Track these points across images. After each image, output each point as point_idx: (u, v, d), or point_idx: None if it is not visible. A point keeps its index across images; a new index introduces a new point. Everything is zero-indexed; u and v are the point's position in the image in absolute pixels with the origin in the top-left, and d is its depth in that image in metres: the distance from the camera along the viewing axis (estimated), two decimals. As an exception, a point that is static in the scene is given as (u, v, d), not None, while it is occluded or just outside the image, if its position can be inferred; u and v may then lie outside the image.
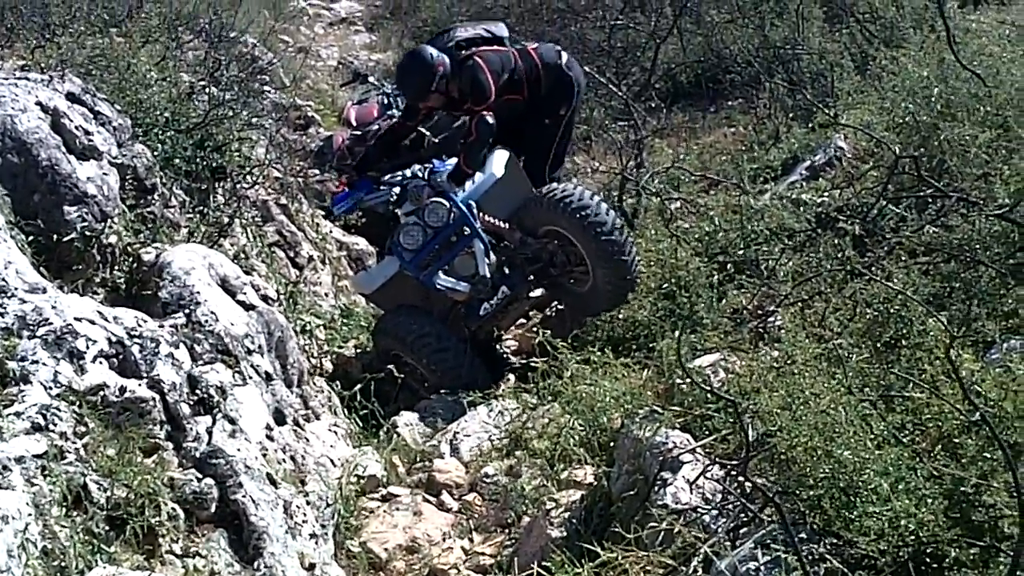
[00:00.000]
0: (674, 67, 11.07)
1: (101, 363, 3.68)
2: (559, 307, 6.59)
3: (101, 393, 3.58)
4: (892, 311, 4.22)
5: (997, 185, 4.75)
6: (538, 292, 6.44)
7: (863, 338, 4.23)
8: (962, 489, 3.03)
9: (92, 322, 3.77)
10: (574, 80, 6.92)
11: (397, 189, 6.32)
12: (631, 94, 9.47)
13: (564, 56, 6.98)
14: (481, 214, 6.21)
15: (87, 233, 4.47)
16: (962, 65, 5.50)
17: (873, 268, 4.68)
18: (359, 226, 7.94)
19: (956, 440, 3.24)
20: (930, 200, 5.33)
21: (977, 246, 4.61)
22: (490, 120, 6.28)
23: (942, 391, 3.39)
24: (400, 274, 6.24)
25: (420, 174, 6.34)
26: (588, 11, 12.38)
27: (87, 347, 3.65)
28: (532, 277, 6.27)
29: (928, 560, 2.93)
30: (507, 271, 6.24)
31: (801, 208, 6.10)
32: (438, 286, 6.12)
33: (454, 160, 6.36)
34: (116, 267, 4.64)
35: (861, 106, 7.15)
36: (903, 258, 4.75)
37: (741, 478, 3.51)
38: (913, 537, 2.94)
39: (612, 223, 5.91)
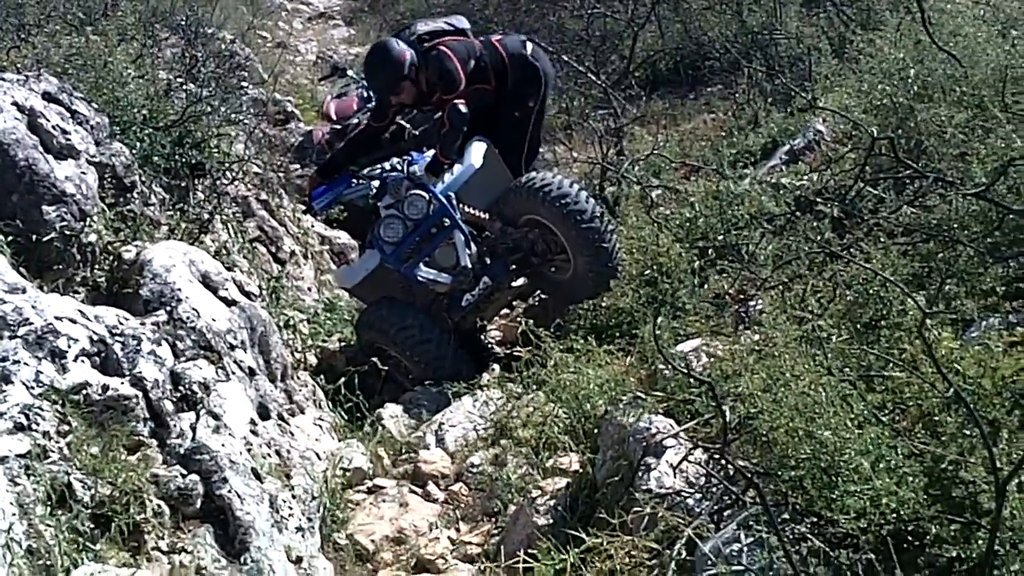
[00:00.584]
0: (652, 54, 11.09)
1: (83, 362, 3.68)
2: (542, 296, 6.60)
3: (84, 392, 3.58)
4: (871, 292, 4.23)
5: (974, 165, 4.76)
6: (520, 281, 6.45)
7: (843, 319, 4.25)
8: (941, 467, 3.06)
9: (73, 321, 3.77)
10: (541, 70, 6.89)
11: (376, 183, 6.31)
12: (610, 82, 9.48)
13: (529, 46, 6.95)
14: (461, 205, 6.21)
15: (66, 232, 4.46)
16: (938, 46, 5.52)
17: (852, 250, 4.70)
18: (341, 220, 7.93)
19: (936, 418, 3.27)
20: (908, 181, 5.34)
21: (955, 226, 4.62)
22: (463, 109, 6.26)
23: (921, 370, 3.42)
24: (381, 267, 6.24)
25: (399, 167, 6.34)
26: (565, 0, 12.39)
27: (69, 346, 3.65)
28: (514, 267, 6.28)
29: (909, 537, 2.95)
30: (488, 261, 6.24)
31: (780, 192, 6.11)
32: (420, 278, 6.12)
33: (432, 152, 6.37)
34: (96, 266, 4.63)
35: (839, 89, 7.16)
36: (882, 239, 4.75)
37: (724, 461, 3.54)
38: (894, 515, 2.96)
39: (592, 211, 5.91)
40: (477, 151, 6.37)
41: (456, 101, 6.31)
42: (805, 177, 6.35)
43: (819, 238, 5.03)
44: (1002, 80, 5.11)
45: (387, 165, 6.44)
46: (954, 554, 2.82)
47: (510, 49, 6.83)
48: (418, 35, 6.62)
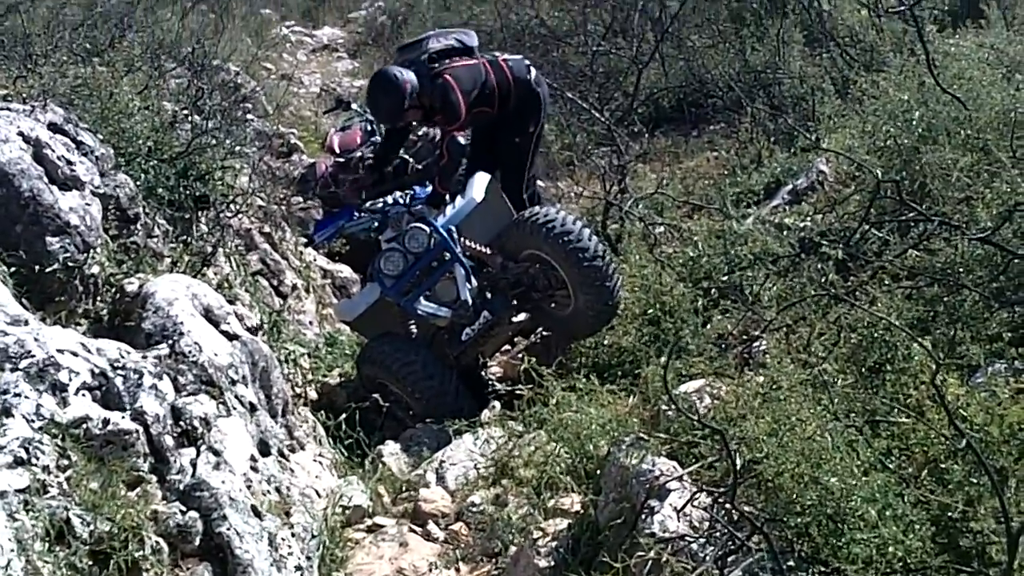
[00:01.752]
0: (656, 92, 11.13)
1: (84, 395, 3.65)
2: (544, 334, 6.58)
3: (84, 426, 3.54)
4: (876, 336, 4.23)
5: (979, 208, 4.77)
6: (521, 316, 6.43)
7: (848, 363, 4.24)
8: (949, 515, 3.04)
9: (75, 354, 3.74)
10: (541, 97, 6.93)
11: (378, 216, 6.31)
12: (613, 119, 9.51)
13: (533, 72, 6.97)
14: (462, 239, 6.20)
15: (69, 264, 4.44)
16: (942, 89, 5.54)
17: (857, 293, 4.70)
18: (343, 254, 7.94)
19: (942, 465, 3.25)
20: (912, 224, 5.34)
21: (960, 270, 4.63)
22: (461, 140, 6.36)
23: (927, 416, 3.40)
24: (382, 301, 6.23)
25: (401, 200, 6.34)
26: (570, 36, 12.43)
27: (70, 379, 3.62)
28: (514, 302, 6.27)
29: (916, 586, 2.93)
30: (489, 296, 6.22)
31: (784, 232, 6.12)
32: (419, 312, 6.11)
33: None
34: (99, 298, 4.62)
35: (842, 130, 7.19)
36: (886, 282, 4.76)
37: (728, 506, 3.51)
38: (901, 564, 2.94)
39: (595, 248, 5.88)
40: (479, 184, 6.36)
41: (454, 134, 6.37)
42: (809, 218, 6.36)
43: (823, 280, 5.02)
44: (1007, 124, 5.13)
45: (389, 199, 6.44)
46: (962, 605, 2.80)
47: (515, 73, 6.84)
48: (428, 54, 6.61)
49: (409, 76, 6.42)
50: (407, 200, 6.35)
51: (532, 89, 6.86)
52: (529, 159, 6.90)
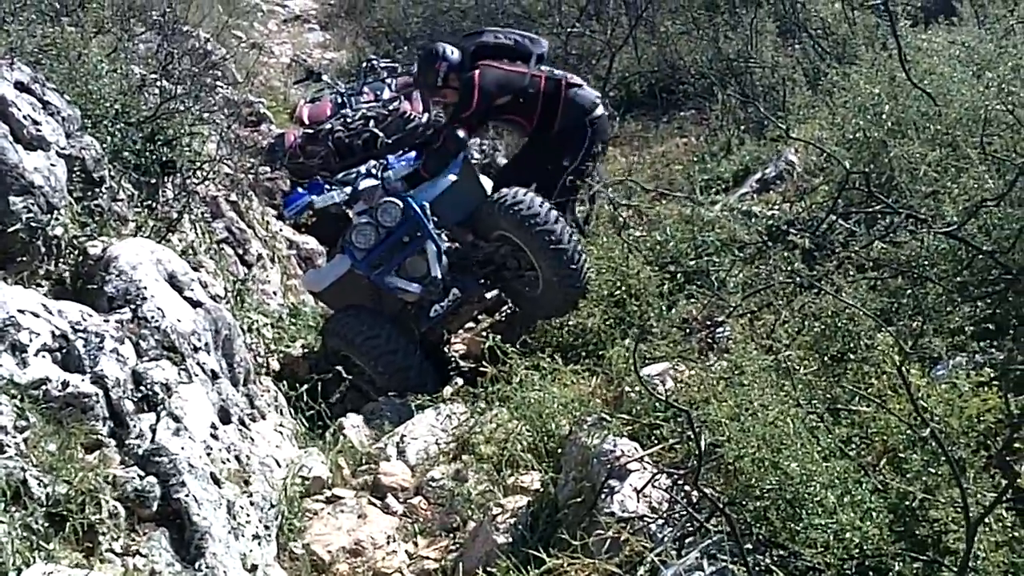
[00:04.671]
0: (628, 76, 11.14)
1: (44, 357, 3.62)
2: (509, 313, 6.58)
3: (43, 387, 3.52)
4: (840, 325, 4.25)
5: (945, 203, 4.80)
6: (492, 294, 6.42)
7: (811, 351, 4.26)
8: (907, 503, 3.07)
9: (36, 315, 3.70)
10: (589, 135, 6.74)
11: (348, 188, 6.27)
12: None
13: (599, 110, 6.84)
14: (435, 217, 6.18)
15: (32, 224, 4.38)
16: (913, 83, 5.57)
17: (822, 282, 4.72)
18: (309, 225, 7.89)
19: (902, 454, 3.28)
20: (879, 216, 5.38)
21: (925, 263, 4.66)
22: (461, 135, 6.41)
23: (889, 405, 3.43)
24: (351, 273, 6.20)
25: (374, 171, 6.30)
26: (544, 17, 12.43)
27: (30, 340, 3.59)
28: (484, 280, 6.26)
29: (872, 573, 2.96)
30: (459, 274, 6.21)
31: (752, 220, 6.15)
32: (389, 286, 6.08)
33: (411, 155, 6.36)
34: (61, 260, 4.56)
35: (812, 121, 7.22)
36: (852, 273, 4.78)
37: (688, 487, 3.53)
38: (858, 550, 2.97)
39: (560, 231, 5.87)
40: (454, 164, 6.36)
41: (457, 125, 6.45)
42: (777, 207, 6.39)
43: (789, 268, 5.05)
44: (975, 120, 5.17)
45: (362, 169, 6.40)
46: (917, 592, 2.83)
47: (574, 99, 6.75)
48: (477, 45, 6.82)
49: (450, 56, 6.72)
50: (379, 170, 6.30)
51: (583, 123, 6.74)
52: (556, 191, 6.49)
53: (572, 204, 6.94)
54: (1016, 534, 2.85)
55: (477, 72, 6.58)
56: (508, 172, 7.05)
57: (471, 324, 6.83)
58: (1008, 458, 3.11)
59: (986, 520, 2.81)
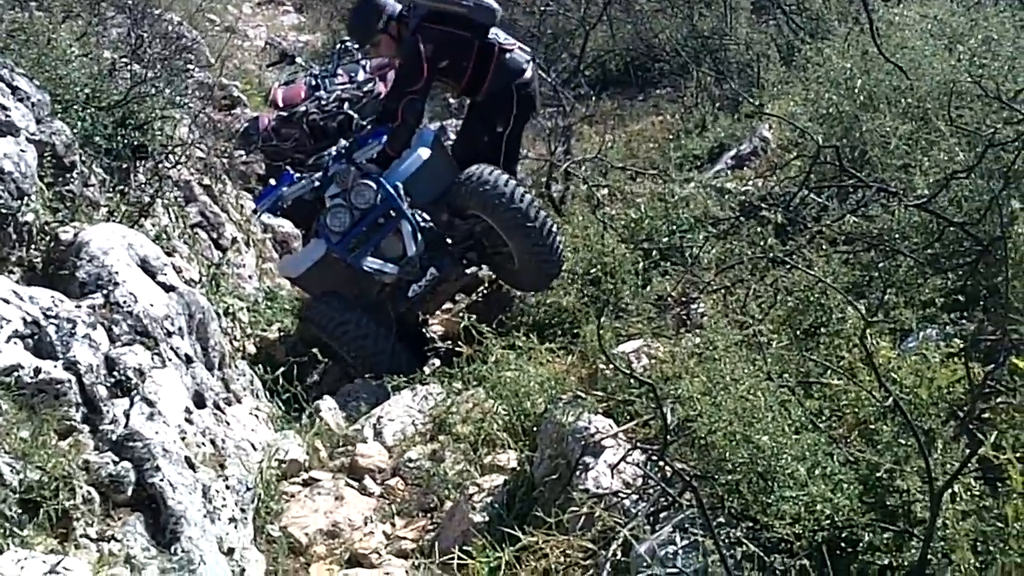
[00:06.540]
0: (603, 54, 11.14)
1: (15, 343, 3.60)
2: (484, 292, 6.58)
3: (15, 374, 3.49)
4: (812, 299, 4.28)
5: (916, 176, 4.83)
6: (471, 270, 6.41)
7: (783, 325, 4.29)
8: (877, 475, 3.09)
9: (7, 301, 3.68)
10: (517, 98, 6.62)
11: (319, 175, 6.26)
12: (560, 80, 9.48)
13: (529, 72, 6.68)
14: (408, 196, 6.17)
15: (3, 211, 4.34)
16: (885, 58, 5.58)
17: (794, 256, 4.74)
18: (284, 208, 7.86)
19: (872, 426, 3.31)
20: (851, 190, 5.41)
21: (896, 236, 4.69)
22: (419, 104, 6.25)
23: (859, 378, 3.46)
24: (327, 257, 6.17)
25: (343, 151, 6.28)
26: (518, -5, 12.39)
27: (1, 326, 3.57)
28: (465, 258, 6.26)
29: (843, 544, 2.98)
30: (435, 253, 6.19)
31: (725, 196, 6.17)
32: (366, 268, 6.06)
33: (378, 134, 6.33)
34: (33, 246, 4.53)
35: (786, 97, 7.25)
36: (824, 247, 4.81)
37: (661, 463, 3.55)
38: (828, 521, 2.99)
39: (528, 209, 5.82)
40: (420, 140, 6.33)
41: (413, 97, 6.28)
42: (750, 183, 6.40)
43: (762, 244, 5.07)
44: (946, 94, 5.18)
45: (333, 151, 6.38)
46: (887, 562, 2.85)
47: (505, 63, 6.58)
48: (430, 10, 6.46)
49: (392, 4, 6.48)
50: (351, 147, 6.28)
51: (510, 85, 6.59)
52: (501, 160, 6.46)
53: (514, 169, 6.83)
54: (984, 503, 2.88)
55: (420, 35, 6.36)
56: (457, 148, 6.90)
57: (448, 305, 6.83)
58: (974, 427, 3.14)
59: (954, 490, 2.84)
